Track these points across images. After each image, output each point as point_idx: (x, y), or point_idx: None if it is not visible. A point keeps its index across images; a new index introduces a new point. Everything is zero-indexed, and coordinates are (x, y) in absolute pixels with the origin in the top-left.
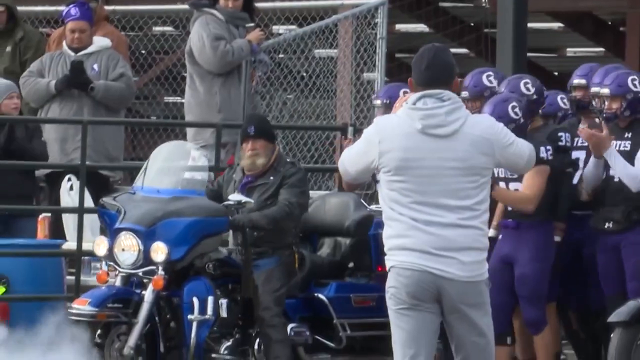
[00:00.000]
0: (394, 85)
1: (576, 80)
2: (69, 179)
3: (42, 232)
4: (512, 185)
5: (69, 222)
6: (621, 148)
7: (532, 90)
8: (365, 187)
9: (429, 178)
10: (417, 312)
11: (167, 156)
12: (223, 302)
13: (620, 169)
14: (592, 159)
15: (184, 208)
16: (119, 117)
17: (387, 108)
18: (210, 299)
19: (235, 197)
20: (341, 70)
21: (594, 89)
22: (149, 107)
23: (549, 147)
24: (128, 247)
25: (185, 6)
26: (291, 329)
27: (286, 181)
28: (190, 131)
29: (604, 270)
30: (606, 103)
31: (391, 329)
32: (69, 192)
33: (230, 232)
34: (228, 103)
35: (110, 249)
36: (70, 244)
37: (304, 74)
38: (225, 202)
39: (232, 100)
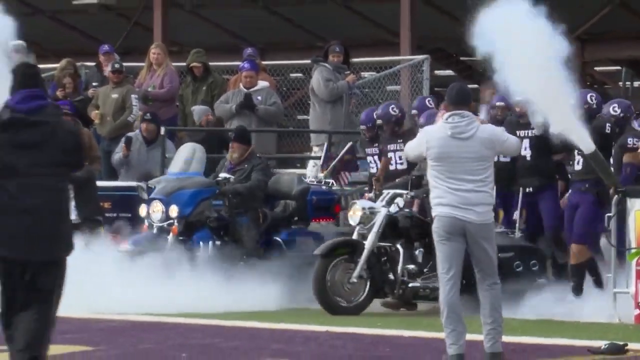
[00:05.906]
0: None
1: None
2: None
3: None
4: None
5: None
6: None
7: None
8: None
9: (455, 164)
10: (450, 242)
11: (182, 153)
12: (217, 243)
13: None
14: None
15: (189, 183)
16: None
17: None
18: (210, 242)
19: (223, 175)
20: (402, 99)
21: None
22: (288, 121)
23: None
24: (156, 210)
25: (309, 61)
26: None
27: (255, 168)
28: (312, 136)
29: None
30: None
31: (436, 252)
32: None
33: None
34: (335, 119)
35: (148, 212)
36: None
37: (380, 102)
38: (217, 179)
39: (337, 117)
